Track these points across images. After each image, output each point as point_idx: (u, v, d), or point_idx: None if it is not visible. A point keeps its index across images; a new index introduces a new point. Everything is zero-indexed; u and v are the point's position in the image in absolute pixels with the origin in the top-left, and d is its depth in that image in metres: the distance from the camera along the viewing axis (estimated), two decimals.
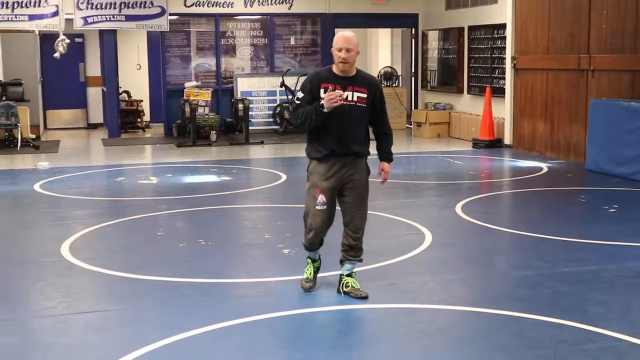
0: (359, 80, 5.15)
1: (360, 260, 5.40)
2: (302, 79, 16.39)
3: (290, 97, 16.05)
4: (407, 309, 5.16)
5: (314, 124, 5.05)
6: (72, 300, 5.42)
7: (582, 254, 6.50)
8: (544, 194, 9.55)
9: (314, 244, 5.37)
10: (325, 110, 4.97)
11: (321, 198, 5.16)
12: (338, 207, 5.30)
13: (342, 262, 5.38)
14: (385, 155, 5.38)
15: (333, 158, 5.14)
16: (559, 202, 9.02)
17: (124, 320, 5.04)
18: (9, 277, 6.05)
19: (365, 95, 5.13)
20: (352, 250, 5.31)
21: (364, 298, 5.25)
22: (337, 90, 5.01)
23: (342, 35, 5.09)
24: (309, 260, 5.53)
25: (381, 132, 5.37)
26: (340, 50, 5.02)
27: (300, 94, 5.17)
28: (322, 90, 5.08)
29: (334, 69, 5.15)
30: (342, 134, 5.10)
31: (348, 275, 5.36)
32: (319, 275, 5.57)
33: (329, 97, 4.96)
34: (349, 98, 5.08)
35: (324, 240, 5.38)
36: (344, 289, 5.33)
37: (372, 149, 5.36)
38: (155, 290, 5.63)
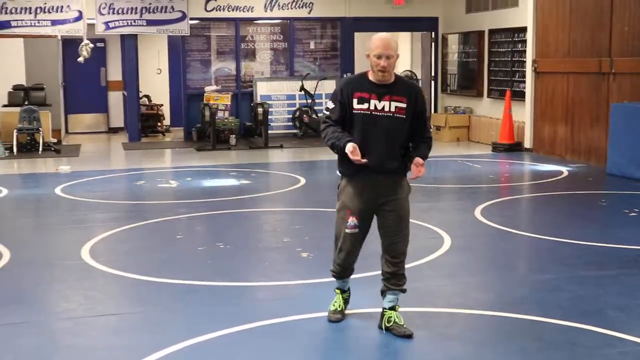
0: (398, 88, 4.57)
1: (404, 291, 4.78)
2: (323, 83, 16.51)
3: (309, 101, 16.09)
4: (425, 313, 5.14)
5: (338, 153, 4.56)
6: (92, 303, 5.47)
7: (602, 258, 6.45)
8: (564, 197, 9.49)
9: (344, 271, 4.86)
10: (345, 148, 4.43)
11: (352, 220, 4.65)
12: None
13: (383, 293, 4.79)
14: (419, 155, 4.63)
15: (365, 176, 4.58)
16: (579, 206, 8.96)
17: (143, 322, 5.07)
18: (30, 279, 6.11)
19: (404, 105, 4.53)
20: (394, 279, 4.71)
21: (408, 337, 4.65)
22: (362, 160, 4.43)
23: (381, 39, 4.49)
24: (337, 292, 4.98)
25: (420, 139, 4.71)
26: (379, 57, 4.43)
27: (330, 104, 4.62)
28: (355, 101, 4.55)
29: (370, 76, 4.57)
30: (377, 148, 4.53)
31: (391, 309, 4.75)
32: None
33: (353, 157, 4.42)
34: (386, 109, 4.52)
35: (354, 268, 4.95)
36: (387, 324, 4.72)
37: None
38: (174, 293, 5.66)
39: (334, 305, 4.98)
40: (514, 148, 13.73)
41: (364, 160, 4.46)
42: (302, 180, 10.74)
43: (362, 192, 4.63)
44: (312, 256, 6.52)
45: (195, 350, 4.51)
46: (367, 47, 4.56)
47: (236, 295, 5.62)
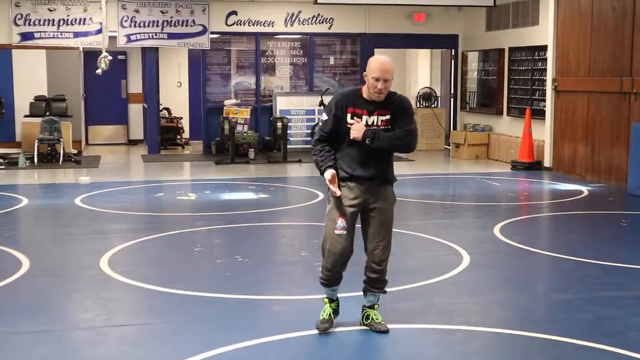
0: (385, 103, 4.81)
1: (384, 292, 5.07)
2: None
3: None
4: (443, 330, 5.12)
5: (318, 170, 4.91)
6: (110, 313, 5.48)
7: (623, 279, 6.39)
8: (584, 217, 9.42)
9: (332, 278, 4.96)
10: (324, 174, 4.81)
11: (341, 222, 4.87)
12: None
13: (364, 292, 5.08)
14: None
15: (356, 181, 4.87)
16: (599, 226, 8.90)
17: (160, 334, 5.07)
18: (49, 288, 6.13)
19: (388, 117, 4.80)
20: (376, 283, 4.99)
21: (384, 332, 4.95)
22: (337, 191, 4.84)
23: (379, 62, 4.72)
24: (326, 301, 5.08)
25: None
26: (377, 80, 4.68)
27: (324, 116, 4.88)
28: (348, 116, 4.80)
29: (364, 92, 4.82)
30: (365, 157, 4.81)
31: (370, 307, 5.06)
32: (349, 294, 5.44)
33: (330, 185, 4.84)
34: (373, 123, 4.80)
35: (343, 275, 5.02)
36: (364, 322, 5.05)
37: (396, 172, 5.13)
38: (191, 305, 5.66)
39: (322, 314, 5.05)
40: (534, 167, 13.66)
41: (338, 192, 4.82)
42: (320, 195, 10.73)
43: (353, 195, 4.88)
44: None
45: None
46: (368, 67, 4.77)
47: (254, 309, 5.61)
